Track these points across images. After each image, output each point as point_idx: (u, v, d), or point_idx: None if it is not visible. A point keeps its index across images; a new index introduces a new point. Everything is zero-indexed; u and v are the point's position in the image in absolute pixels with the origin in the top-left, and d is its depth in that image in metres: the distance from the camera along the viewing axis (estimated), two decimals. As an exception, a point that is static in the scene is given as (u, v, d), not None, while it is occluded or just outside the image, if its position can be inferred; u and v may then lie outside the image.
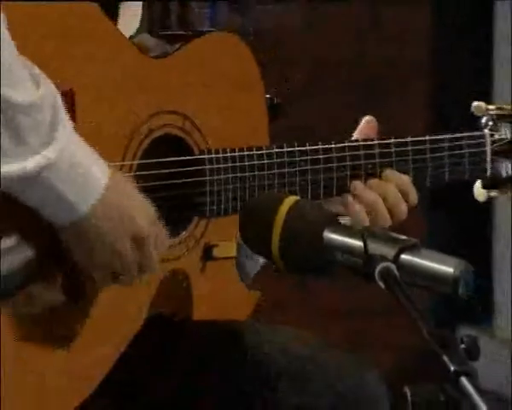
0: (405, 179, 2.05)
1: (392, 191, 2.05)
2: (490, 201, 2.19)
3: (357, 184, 2.04)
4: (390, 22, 4.52)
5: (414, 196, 2.06)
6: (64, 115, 1.74)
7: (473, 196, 2.16)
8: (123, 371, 1.92)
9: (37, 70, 1.72)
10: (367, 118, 2.10)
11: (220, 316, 2.02)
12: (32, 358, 1.81)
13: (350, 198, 2.03)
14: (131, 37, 1.96)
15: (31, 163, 1.69)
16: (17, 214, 1.74)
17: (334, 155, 2.04)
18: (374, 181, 2.05)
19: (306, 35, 4.49)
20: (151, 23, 2.03)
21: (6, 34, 1.67)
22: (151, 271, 1.83)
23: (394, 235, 1.54)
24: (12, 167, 1.69)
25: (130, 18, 2.00)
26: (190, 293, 1.96)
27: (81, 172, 1.74)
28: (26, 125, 1.69)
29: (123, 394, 1.99)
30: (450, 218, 3.40)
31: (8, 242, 1.58)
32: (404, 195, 2.05)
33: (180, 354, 2.00)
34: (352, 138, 2.09)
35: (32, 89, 1.70)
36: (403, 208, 2.04)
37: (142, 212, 1.81)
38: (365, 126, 2.10)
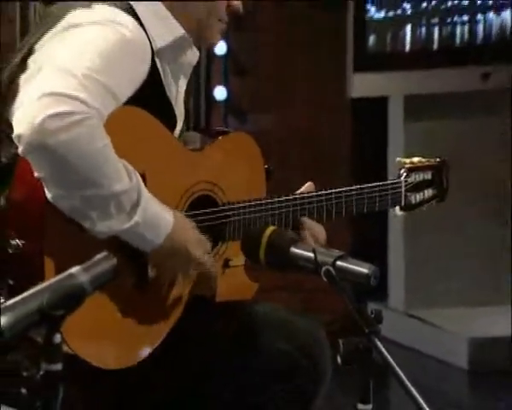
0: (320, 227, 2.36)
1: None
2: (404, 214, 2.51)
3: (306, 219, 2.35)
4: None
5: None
6: (144, 188, 2.12)
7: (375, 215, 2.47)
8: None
9: (126, 164, 2.10)
10: (308, 184, 2.38)
11: (232, 298, 2.32)
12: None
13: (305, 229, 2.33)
14: (180, 133, 2.33)
15: (127, 225, 2.10)
16: (114, 241, 2.12)
17: (298, 202, 2.34)
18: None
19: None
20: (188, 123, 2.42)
21: (109, 142, 2.07)
22: (209, 270, 2.23)
23: (331, 250, 1.92)
24: (117, 227, 2.11)
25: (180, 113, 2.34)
26: (215, 286, 2.29)
27: (155, 220, 2.14)
28: (124, 201, 2.09)
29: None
30: (362, 230, 3.61)
31: (101, 256, 1.66)
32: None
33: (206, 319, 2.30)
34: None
35: (127, 179, 2.09)
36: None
37: (196, 241, 2.20)
38: (309, 185, 2.38)
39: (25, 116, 2.06)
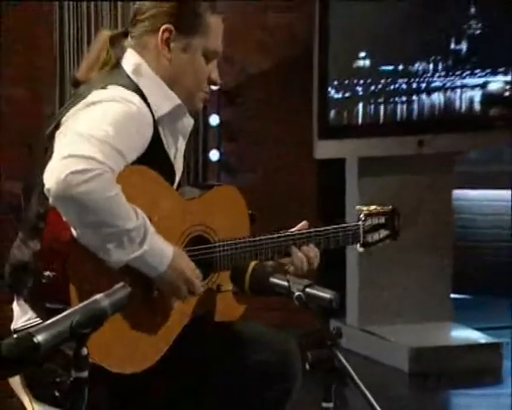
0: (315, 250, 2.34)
1: (314, 252, 2.32)
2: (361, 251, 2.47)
3: (294, 249, 2.31)
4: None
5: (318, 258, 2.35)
6: (149, 226, 2.12)
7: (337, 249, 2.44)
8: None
9: (135, 207, 2.11)
10: (303, 223, 2.36)
11: (224, 318, 2.31)
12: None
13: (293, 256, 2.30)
14: (179, 184, 2.32)
15: (136, 253, 2.11)
16: (127, 270, 2.12)
17: (281, 239, 2.31)
18: (304, 248, 2.32)
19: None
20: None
21: (120, 191, 2.08)
22: (197, 294, 2.20)
23: (302, 279, 1.95)
24: (128, 256, 2.10)
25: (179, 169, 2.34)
26: (212, 307, 2.28)
27: (159, 251, 2.14)
28: (134, 236, 2.10)
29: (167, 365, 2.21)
30: (327, 260, 3.46)
31: (118, 286, 1.72)
32: (315, 257, 2.33)
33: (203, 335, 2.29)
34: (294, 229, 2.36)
35: (135, 217, 2.10)
36: (316, 262, 2.34)
37: (190, 269, 2.19)
38: (303, 225, 2.36)
39: (52, 173, 2.07)
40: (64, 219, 2.09)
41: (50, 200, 2.08)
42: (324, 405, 1.80)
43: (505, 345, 4.25)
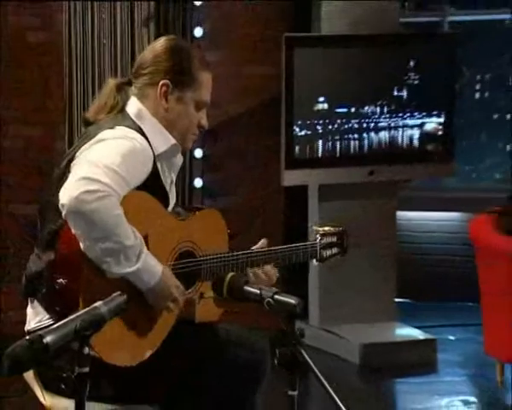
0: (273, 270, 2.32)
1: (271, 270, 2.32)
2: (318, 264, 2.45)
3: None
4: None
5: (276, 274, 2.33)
6: (144, 246, 2.11)
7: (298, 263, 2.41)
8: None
9: (133, 228, 2.09)
10: (263, 240, 2.35)
11: (206, 320, 2.28)
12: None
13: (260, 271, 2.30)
14: (172, 209, 2.31)
15: (131, 269, 2.09)
16: (121, 283, 2.09)
17: (249, 255, 2.29)
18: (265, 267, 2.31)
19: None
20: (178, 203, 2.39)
21: (122, 213, 2.07)
22: (179, 306, 2.18)
23: (272, 288, 1.93)
24: (123, 270, 2.09)
25: (172, 197, 2.31)
26: (195, 311, 2.26)
27: (151, 268, 2.12)
28: (130, 254, 2.08)
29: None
30: (291, 271, 3.40)
31: (115, 295, 1.71)
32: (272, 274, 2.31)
33: (186, 337, 2.25)
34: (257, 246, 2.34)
35: (133, 237, 2.08)
36: (275, 277, 2.33)
37: (175, 286, 2.16)
38: (262, 242, 2.35)
39: (67, 191, 2.06)
40: (73, 231, 2.07)
41: (63, 213, 2.06)
42: (290, 393, 1.81)
43: (439, 341, 4.25)
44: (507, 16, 5.23)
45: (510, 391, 3.79)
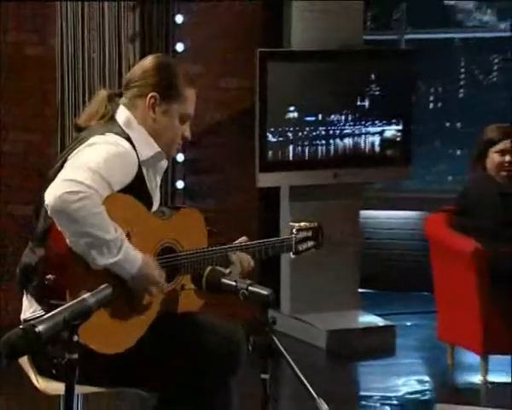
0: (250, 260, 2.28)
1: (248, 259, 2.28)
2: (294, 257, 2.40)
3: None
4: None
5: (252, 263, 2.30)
6: (125, 239, 2.10)
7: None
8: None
9: (114, 223, 2.08)
10: (243, 238, 2.33)
11: (186, 310, 2.26)
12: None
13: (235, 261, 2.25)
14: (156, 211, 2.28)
15: (114, 259, 2.08)
16: (107, 274, 2.08)
17: (226, 249, 2.27)
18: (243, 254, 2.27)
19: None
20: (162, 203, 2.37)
21: (104, 210, 2.05)
22: (162, 290, 2.16)
23: (246, 280, 1.90)
24: (107, 261, 2.07)
25: (156, 199, 2.29)
26: (177, 301, 2.24)
27: (132, 258, 2.10)
28: (112, 246, 2.07)
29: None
30: (266, 263, 3.27)
31: (102, 287, 1.68)
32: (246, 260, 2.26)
33: (168, 323, 2.22)
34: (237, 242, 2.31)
35: (114, 231, 2.07)
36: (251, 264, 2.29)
37: (155, 271, 2.14)
38: (242, 239, 2.32)
39: (51, 192, 2.06)
40: (58, 228, 2.06)
41: (48, 212, 2.06)
42: (263, 376, 1.80)
43: (398, 327, 4.25)
44: (457, 35, 5.29)
45: (459, 372, 3.83)
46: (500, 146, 3.61)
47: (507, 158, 3.61)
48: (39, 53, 4.29)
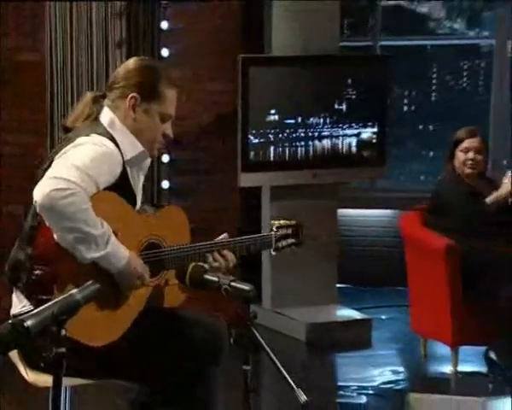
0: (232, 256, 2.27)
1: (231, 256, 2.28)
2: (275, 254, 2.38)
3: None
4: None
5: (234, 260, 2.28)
6: (112, 234, 2.09)
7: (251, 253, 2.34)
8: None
9: (101, 219, 2.07)
10: (224, 234, 2.28)
11: (171, 304, 2.25)
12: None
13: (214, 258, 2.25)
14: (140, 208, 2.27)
15: (101, 253, 2.07)
16: (94, 269, 2.07)
17: (209, 246, 2.25)
18: (224, 252, 2.27)
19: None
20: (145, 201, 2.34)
21: (90, 206, 2.06)
22: (147, 285, 2.16)
23: (228, 276, 1.89)
24: (94, 254, 2.07)
25: (139, 199, 2.28)
26: (162, 296, 2.23)
27: (118, 253, 2.09)
28: (99, 241, 2.06)
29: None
30: (247, 259, 3.24)
31: (89, 283, 1.66)
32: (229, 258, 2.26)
33: (153, 317, 2.22)
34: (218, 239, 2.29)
35: (101, 226, 2.07)
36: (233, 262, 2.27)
37: (141, 266, 2.14)
38: (224, 236, 2.29)
39: (39, 189, 2.05)
40: (47, 224, 2.04)
41: (37, 209, 2.04)
42: (244, 367, 1.79)
43: (374, 320, 4.27)
44: (430, 42, 5.31)
45: (431, 363, 3.84)
46: (464, 144, 3.68)
47: (469, 155, 3.67)
48: (31, 58, 4.29)
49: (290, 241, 2.44)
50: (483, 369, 3.59)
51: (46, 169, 2.13)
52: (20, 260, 2.13)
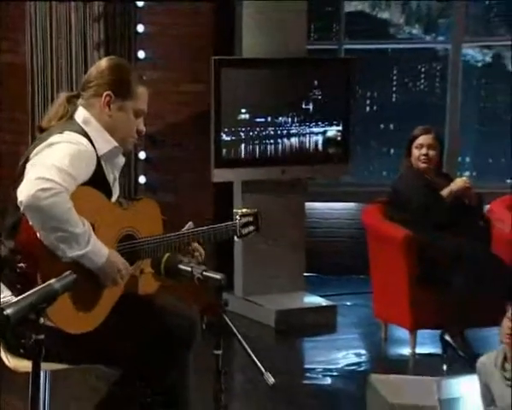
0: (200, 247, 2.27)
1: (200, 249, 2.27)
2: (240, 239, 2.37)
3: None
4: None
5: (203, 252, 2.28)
6: (92, 233, 2.07)
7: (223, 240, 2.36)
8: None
9: (82, 218, 2.06)
10: (189, 223, 2.30)
11: (145, 292, 2.26)
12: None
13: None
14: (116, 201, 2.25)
15: (82, 252, 2.05)
16: (76, 262, 2.05)
17: (180, 236, 2.24)
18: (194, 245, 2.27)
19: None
20: (122, 194, 2.35)
21: (72, 206, 2.03)
22: (125, 279, 2.16)
23: (201, 265, 1.89)
24: (76, 253, 2.05)
25: (115, 191, 2.26)
26: (137, 284, 2.23)
27: (98, 251, 2.09)
28: (80, 240, 2.04)
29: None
30: (219, 247, 3.23)
31: (67, 273, 1.65)
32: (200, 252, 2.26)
33: (130, 305, 2.21)
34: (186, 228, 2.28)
35: (82, 226, 2.05)
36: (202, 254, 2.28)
37: (121, 263, 2.14)
38: (189, 225, 2.30)
39: (24, 190, 2.01)
40: (31, 224, 2.02)
41: (22, 209, 2.01)
42: (215, 352, 1.79)
43: (339, 307, 4.29)
44: (390, 46, 5.35)
45: (391, 346, 3.87)
46: (419, 141, 3.74)
47: (423, 151, 3.73)
48: (12, 60, 4.25)
49: (251, 228, 2.45)
50: (439, 351, 3.63)
51: (22, 168, 2.10)
52: (2, 254, 2.10)
